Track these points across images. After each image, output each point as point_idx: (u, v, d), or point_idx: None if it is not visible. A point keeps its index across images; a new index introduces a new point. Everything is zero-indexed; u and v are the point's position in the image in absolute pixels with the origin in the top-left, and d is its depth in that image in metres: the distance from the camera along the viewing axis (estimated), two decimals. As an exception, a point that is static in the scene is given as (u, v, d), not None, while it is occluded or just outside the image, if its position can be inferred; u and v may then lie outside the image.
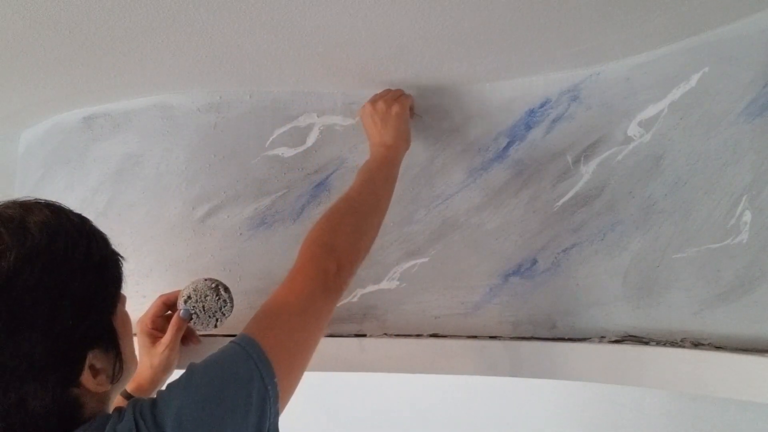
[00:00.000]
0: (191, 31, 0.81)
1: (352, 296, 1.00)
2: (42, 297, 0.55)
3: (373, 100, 0.96)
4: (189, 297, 0.90)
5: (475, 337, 0.96)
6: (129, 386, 0.89)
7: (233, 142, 1.03)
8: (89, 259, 0.60)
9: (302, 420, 1.46)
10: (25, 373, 0.54)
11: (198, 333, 0.94)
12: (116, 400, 0.87)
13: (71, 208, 0.64)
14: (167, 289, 1.01)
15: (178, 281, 1.01)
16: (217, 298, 0.91)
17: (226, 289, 0.92)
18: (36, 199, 0.62)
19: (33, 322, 0.54)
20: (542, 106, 0.98)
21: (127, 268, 1.03)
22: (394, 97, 0.96)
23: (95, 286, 0.60)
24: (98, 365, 0.60)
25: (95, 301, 0.60)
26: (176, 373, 0.94)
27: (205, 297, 0.90)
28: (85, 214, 1.14)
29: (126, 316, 0.68)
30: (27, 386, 0.55)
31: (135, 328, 0.88)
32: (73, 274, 0.58)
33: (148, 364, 0.89)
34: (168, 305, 0.92)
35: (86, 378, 0.58)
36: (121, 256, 0.68)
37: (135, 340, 0.82)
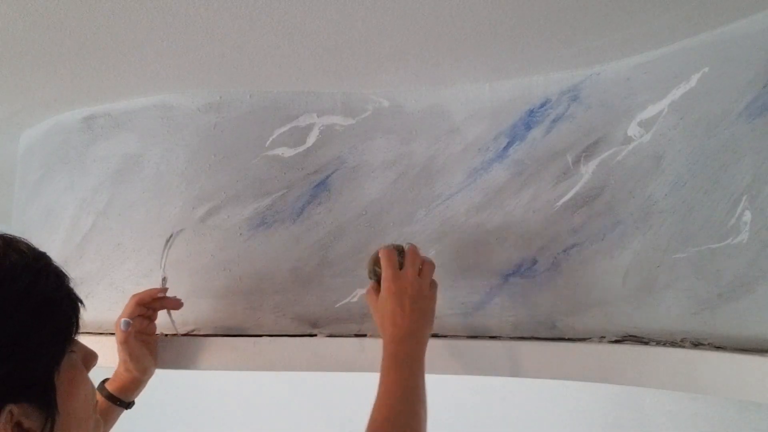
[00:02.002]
0: (191, 31, 0.81)
1: (352, 296, 1.00)
2: None
3: (394, 275, 0.82)
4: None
5: (475, 337, 0.96)
6: (111, 386, 0.89)
7: (233, 142, 1.03)
8: (26, 298, 0.53)
9: (302, 420, 1.46)
10: None
11: None
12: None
13: (29, 243, 0.58)
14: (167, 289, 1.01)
15: (178, 281, 1.01)
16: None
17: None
18: (2, 232, 0.57)
19: None
20: (542, 106, 0.98)
21: (127, 269, 1.04)
22: (416, 267, 0.83)
23: (26, 329, 0.53)
24: (26, 423, 0.52)
25: (23, 346, 0.52)
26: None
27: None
28: (85, 214, 1.15)
29: (79, 375, 0.60)
30: None
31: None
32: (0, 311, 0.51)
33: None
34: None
35: None
36: (80, 301, 0.61)
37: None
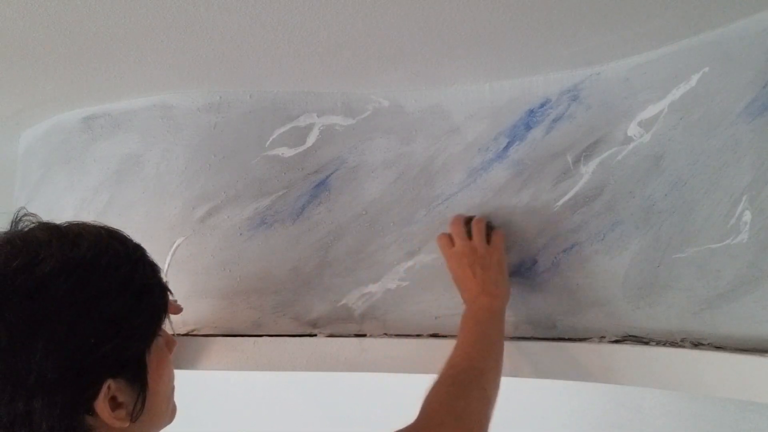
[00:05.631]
0: (191, 31, 0.81)
1: (352, 296, 1.00)
2: (68, 309, 0.55)
3: (463, 245, 0.89)
4: None
5: (475, 337, 0.96)
6: None
7: (233, 142, 1.03)
8: (128, 283, 0.60)
9: (302, 420, 1.46)
10: (34, 385, 0.53)
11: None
12: None
13: (129, 236, 0.65)
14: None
15: (179, 281, 1.01)
16: None
17: None
18: (102, 224, 0.64)
19: (52, 333, 0.54)
20: (542, 106, 0.98)
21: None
22: (482, 235, 0.90)
23: (128, 311, 0.59)
24: (120, 398, 0.59)
25: (125, 326, 0.59)
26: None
27: None
28: (84, 214, 1.15)
29: (165, 357, 0.67)
30: (35, 401, 0.53)
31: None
32: (107, 294, 0.58)
33: None
34: None
35: (102, 407, 0.57)
36: (169, 290, 0.68)
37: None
